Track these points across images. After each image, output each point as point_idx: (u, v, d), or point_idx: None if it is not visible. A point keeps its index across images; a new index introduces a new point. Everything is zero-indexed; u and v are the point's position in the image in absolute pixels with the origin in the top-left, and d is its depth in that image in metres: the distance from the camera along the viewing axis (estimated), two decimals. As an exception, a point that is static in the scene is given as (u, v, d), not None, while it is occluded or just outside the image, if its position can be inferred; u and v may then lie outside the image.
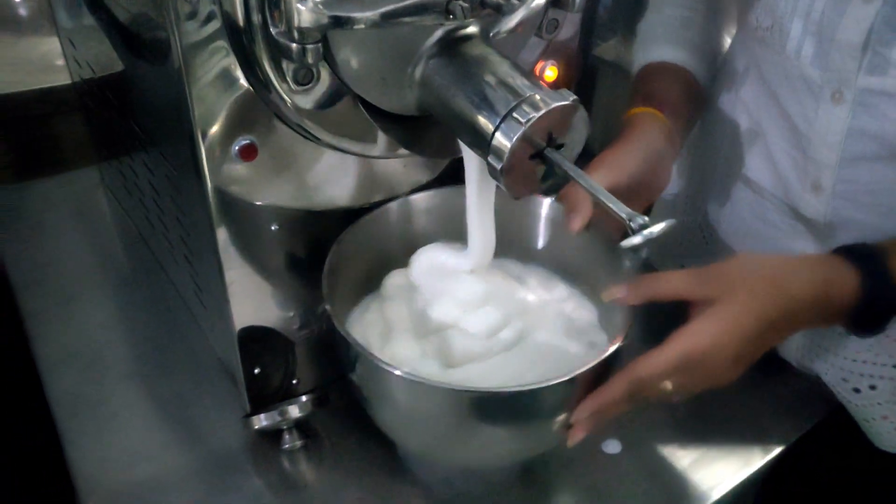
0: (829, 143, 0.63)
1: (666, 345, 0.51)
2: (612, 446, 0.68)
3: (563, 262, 0.68)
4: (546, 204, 0.66)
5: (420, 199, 0.66)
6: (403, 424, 0.58)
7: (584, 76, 2.18)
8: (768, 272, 0.55)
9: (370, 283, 0.66)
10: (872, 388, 0.70)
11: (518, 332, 0.59)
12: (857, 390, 0.71)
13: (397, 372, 0.50)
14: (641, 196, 0.64)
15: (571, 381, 0.49)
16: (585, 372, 0.50)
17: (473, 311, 0.59)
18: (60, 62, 1.07)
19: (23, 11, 1.34)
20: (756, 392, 0.75)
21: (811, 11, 0.60)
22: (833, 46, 0.59)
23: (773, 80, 0.67)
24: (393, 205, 0.65)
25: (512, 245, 0.67)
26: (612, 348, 0.52)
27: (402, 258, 0.65)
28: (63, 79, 1.04)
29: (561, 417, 0.53)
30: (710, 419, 0.72)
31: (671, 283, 0.55)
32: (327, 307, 0.55)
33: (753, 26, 0.67)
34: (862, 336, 0.62)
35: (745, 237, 0.76)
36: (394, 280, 0.64)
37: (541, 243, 0.68)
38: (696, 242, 0.85)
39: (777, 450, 0.70)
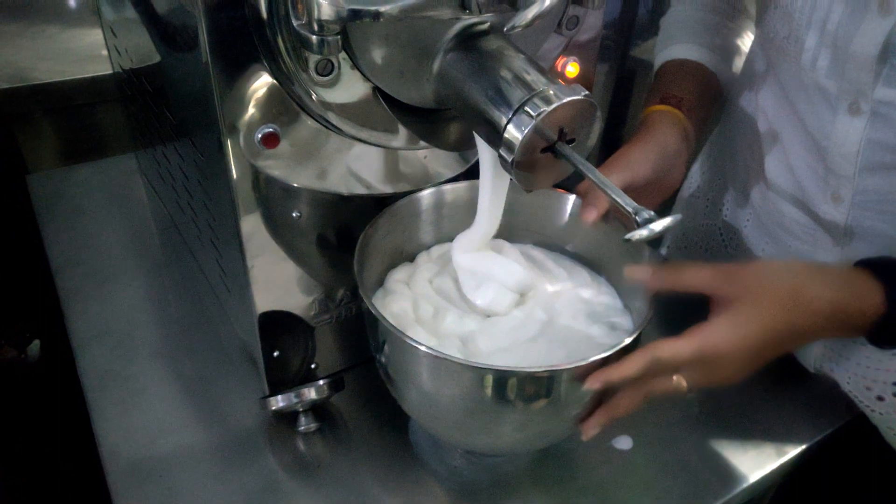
0: (847, 153, 0.62)
1: (685, 335, 0.52)
2: (623, 442, 0.68)
3: (587, 252, 0.69)
4: (571, 198, 0.67)
5: (450, 189, 0.67)
6: (427, 404, 0.58)
7: (622, 76, 2.18)
8: (791, 281, 0.55)
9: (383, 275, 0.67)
10: None
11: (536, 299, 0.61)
12: (880, 398, 0.70)
13: (424, 349, 0.51)
14: (654, 194, 0.64)
15: (592, 365, 0.50)
16: (607, 356, 0.50)
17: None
18: (104, 52, 1.11)
19: (72, 3, 1.39)
20: (773, 395, 0.75)
21: (826, 23, 0.59)
22: (849, 58, 0.59)
23: (791, 89, 0.67)
24: (424, 193, 0.66)
25: (538, 234, 0.69)
26: (634, 335, 0.52)
27: (422, 248, 0.68)
28: (106, 69, 1.08)
29: (581, 401, 0.54)
30: (725, 420, 0.72)
31: (694, 277, 0.56)
32: (358, 285, 0.56)
33: (770, 35, 0.66)
34: (886, 349, 0.62)
35: (764, 240, 0.76)
36: (397, 276, 0.66)
37: (566, 234, 0.69)
38: (716, 244, 0.84)
39: (792, 453, 0.69)
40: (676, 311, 0.56)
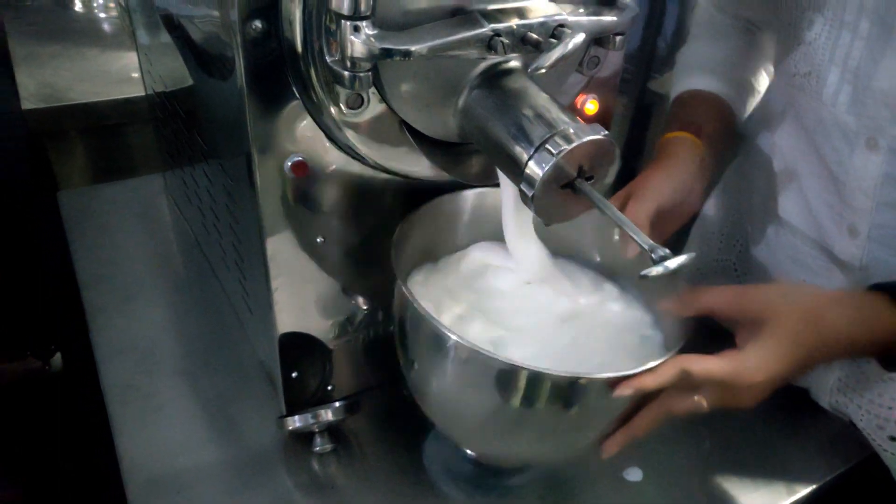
0: (865, 188, 0.64)
1: (718, 356, 0.53)
2: (634, 474, 0.69)
3: (617, 268, 0.69)
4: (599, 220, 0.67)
5: (493, 192, 0.66)
6: (455, 405, 0.58)
7: (639, 108, 2.19)
8: (810, 304, 0.56)
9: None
10: None
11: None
12: (893, 438, 0.70)
13: (454, 338, 0.51)
14: (675, 219, 0.66)
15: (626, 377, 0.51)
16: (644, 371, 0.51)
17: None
18: (136, 75, 1.14)
19: (106, 27, 1.44)
20: (786, 432, 0.75)
21: (848, 60, 0.61)
22: (868, 95, 0.60)
23: (810, 125, 0.68)
24: (468, 193, 0.67)
25: (569, 248, 0.70)
26: (672, 352, 0.53)
27: (453, 249, 0.68)
28: (138, 90, 1.11)
29: (607, 413, 0.54)
30: (736, 455, 0.72)
31: (717, 299, 0.57)
32: (395, 269, 0.57)
33: (791, 72, 0.68)
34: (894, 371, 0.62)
35: (778, 277, 0.76)
36: (416, 277, 0.66)
37: (597, 250, 0.70)
38: (730, 280, 0.85)
39: (803, 491, 0.69)
40: (706, 327, 0.57)
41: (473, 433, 0.61)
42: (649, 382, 0.51)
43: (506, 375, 0.52)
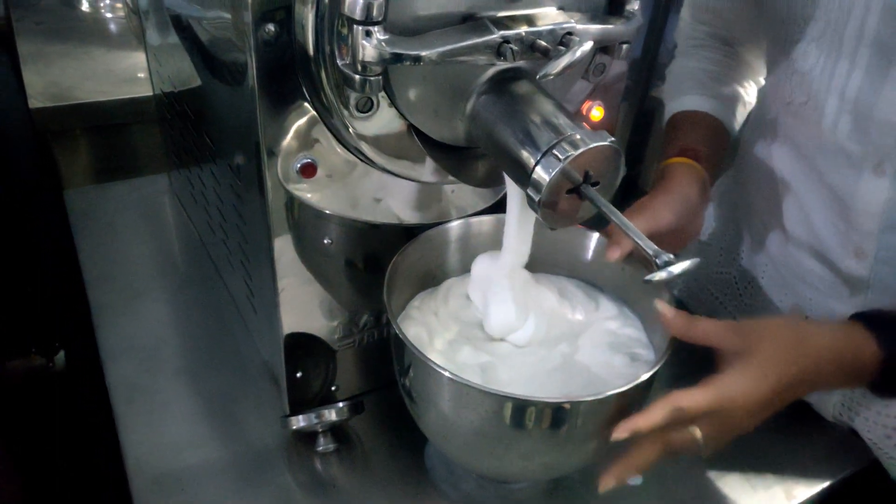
0: (872, 212, 0.64)
1: (702, 385, 0.53)
2: (634, 478, 0.69)
3: (613, 286, 0.70)
4: (598, 236, 0.69)
5: (477, 222, 0.70)
6: (446, 427, 0.60)
7: (642, 115, 2.20)
8: (794, 334, 0.57)
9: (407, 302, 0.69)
10: None
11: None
12: None
13: (447, 373, 0.53)
14: (675, 242, 0.67)
15: (612, 397, 0.52)
16: (627, 390, 0.52)
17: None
18: (142, 75, 1.15)
19: (113, 27, 1.45)
20: (787, 439, 0.75)
21: (846, 90, 0.61)
22: (871, 124, 0.60)
23: (810, 151, 0.68)
24: (453, 224, 0.69)
25: (566, 268, 0.72)
26: (656, 368, 0.54)
27: (448, 277, 0.70)
28: (144, 90, 1.12)
29: (596, 433, 0.55)
30: (736, 459, 0.72)
31: (706, 329, 0.57)
32: (387, 307, 0.59)
33: (786, 100, 0.68)
34: (887, 399, 0.63)
35: (782, 291, 0.76)
36: (414, 303, 0.68)
37: (592, 270, 0.71)
38: (731, 293, 0.85)
39: (802, 497, 0.70)
40: (694, 349, 0.57)
41: (465, 454, 0.63)
42: (643, 425, 0.52)
43: (490, 403, 0.53)
